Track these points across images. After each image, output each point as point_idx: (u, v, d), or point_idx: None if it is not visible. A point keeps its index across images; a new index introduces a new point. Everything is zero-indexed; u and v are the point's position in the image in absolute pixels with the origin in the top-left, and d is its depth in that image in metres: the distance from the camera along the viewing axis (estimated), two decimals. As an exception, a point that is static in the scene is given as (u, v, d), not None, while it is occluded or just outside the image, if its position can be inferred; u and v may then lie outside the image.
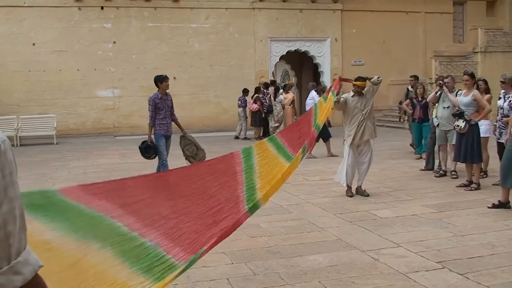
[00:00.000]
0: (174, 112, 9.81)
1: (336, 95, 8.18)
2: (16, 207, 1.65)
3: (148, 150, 9.53)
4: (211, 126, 21.89)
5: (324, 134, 13.01)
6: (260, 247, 6.02)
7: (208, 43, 22.33)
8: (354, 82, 8.63)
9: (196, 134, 9.98)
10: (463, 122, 9.07)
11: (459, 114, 9.18)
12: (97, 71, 21.13)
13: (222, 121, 22.27)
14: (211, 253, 5.79)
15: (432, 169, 11.05)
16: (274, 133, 18.24)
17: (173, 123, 9.79)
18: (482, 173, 9.93)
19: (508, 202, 7.72)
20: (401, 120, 15.27)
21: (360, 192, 8.85)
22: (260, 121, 18.66)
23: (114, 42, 21.33)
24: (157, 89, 9.55)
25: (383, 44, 24.63)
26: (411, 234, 6.44)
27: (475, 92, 9.19)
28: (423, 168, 11.15)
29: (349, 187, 8.78)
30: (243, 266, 5.39)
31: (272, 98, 18.48)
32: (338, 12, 23.88)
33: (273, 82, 19.97)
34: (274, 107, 18.31)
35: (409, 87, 14.05)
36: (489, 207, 7.73)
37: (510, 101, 8.74)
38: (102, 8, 21.14)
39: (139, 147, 9.62)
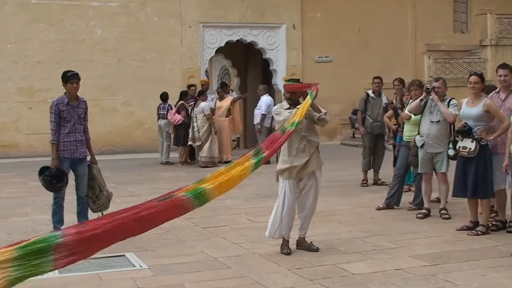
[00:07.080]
0: (88, 128, 9.52)
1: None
2: None
3: (61, 178, 8.90)
4: (119, 146, 21.58)
5: None
6: (184, 317, 5.95)
7: (116, 29, 22.09)
8: (285, 83, 8.34)
9: (97, 157, 9.75)
10: (472, 142, 9.00)
11: (466, 132, 9.14)
12: (-45, 66, 20.73)
13: (135, 138, 21.95)
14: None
15: (393, 206, 11.09)
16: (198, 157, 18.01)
17: None
18: (492, 214, 9.83)
19: None
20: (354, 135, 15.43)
21: (305, 245, 8.39)
22: (186, 138, 18.37)
23: (-19, 26, 20.99)
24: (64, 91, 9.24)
25: (359, 34, 24.90)
26: (394, 297, 6.49)
27: (487, 101, 9.01)
28: (412, 205, 11.12)
29: (285, 241, 8.34)
30: None
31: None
32: (297, -11, 24.18)
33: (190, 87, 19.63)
34: (194, 119, 17.78)
35: (370, 92, 14.10)
36: None
37: None
38: (-36, -23, 20.81)
39: (43, 178, 8.92)
